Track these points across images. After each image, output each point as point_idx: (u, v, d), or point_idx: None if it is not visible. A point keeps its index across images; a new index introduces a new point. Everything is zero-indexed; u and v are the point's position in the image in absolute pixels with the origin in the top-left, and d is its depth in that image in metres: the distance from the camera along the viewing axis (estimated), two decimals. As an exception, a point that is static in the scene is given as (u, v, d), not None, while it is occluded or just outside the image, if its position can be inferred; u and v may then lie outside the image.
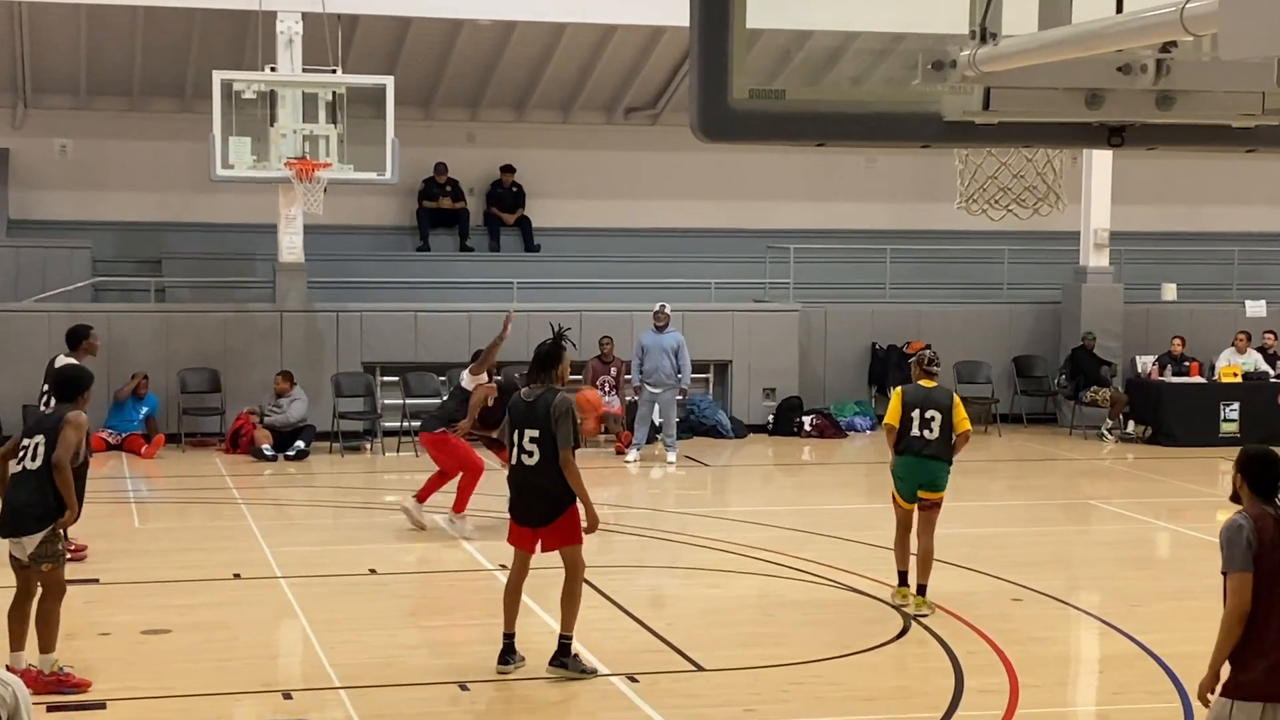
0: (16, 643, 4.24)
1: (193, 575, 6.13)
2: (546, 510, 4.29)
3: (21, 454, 4.31)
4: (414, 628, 5.47)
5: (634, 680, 4.50)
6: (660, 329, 9.77)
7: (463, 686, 4.44)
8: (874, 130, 2.21)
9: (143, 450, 9.35)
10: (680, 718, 4.19)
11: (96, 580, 5.76)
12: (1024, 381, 11.68)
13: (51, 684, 4.11)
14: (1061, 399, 11.63)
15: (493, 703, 4.50)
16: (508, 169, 12.54)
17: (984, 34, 2.10)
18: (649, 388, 9.70)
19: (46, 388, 5.46)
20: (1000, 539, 7.14)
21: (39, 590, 4.29)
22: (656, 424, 9.87)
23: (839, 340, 11.83)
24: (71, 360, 5.81)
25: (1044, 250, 12.46)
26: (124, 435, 9.61)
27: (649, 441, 9.94)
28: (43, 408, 5.06)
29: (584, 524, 4.39)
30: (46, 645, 4.21)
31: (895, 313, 11.96)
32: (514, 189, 12.62)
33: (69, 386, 4.62)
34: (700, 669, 4.66)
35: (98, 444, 8.73)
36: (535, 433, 4.25)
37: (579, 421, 4.68)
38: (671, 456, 9.75)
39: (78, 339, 6.13)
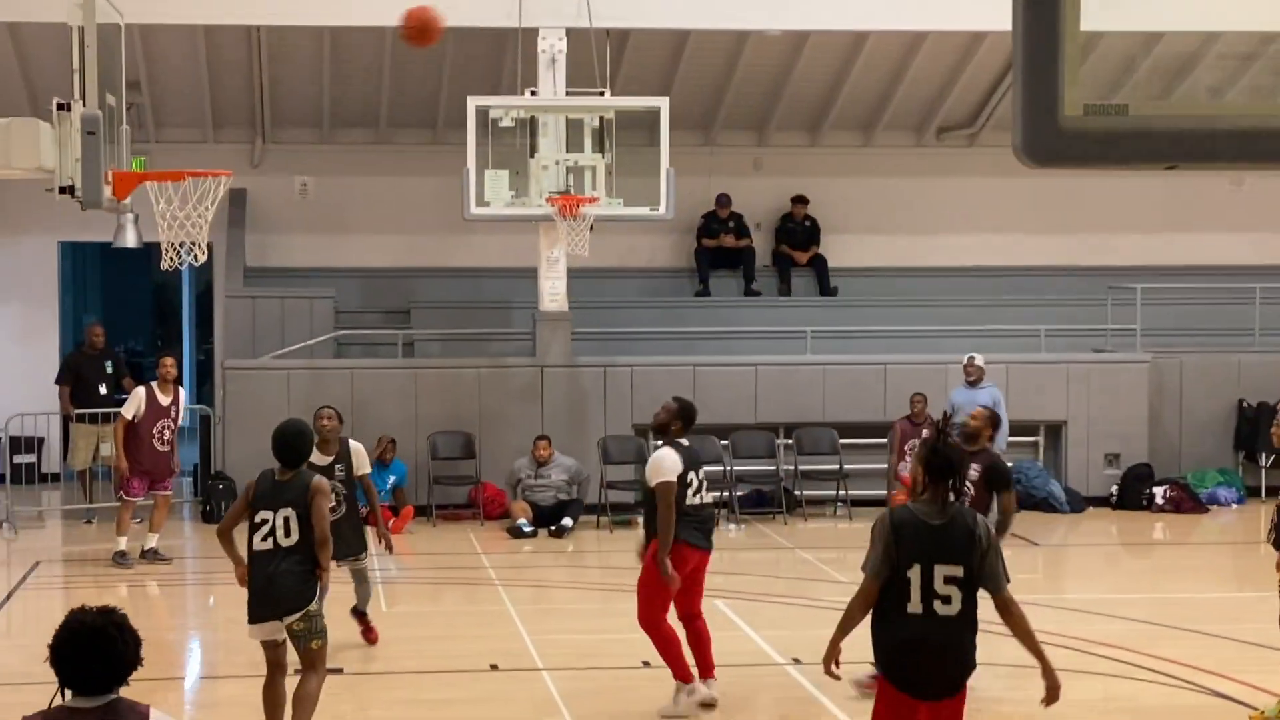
0: None
1: (446, 666, 6.80)
2: (959, 674, 3.97)
3: (266, 530, 4.94)
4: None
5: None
6: (972, 384, 10.41)
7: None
8: (1236, 149, 2.48)
9: (390, 524, 9.99)
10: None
11: (340, 670, 6.38)
12: None
13: None
14: None
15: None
16: (800, 200, 13.42)
17: None
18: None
19: None
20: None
21: (299, 670, 4.97)
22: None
23: (1197, 396, 12.12)
24: None
25: None
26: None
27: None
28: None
29: None
30: None
31: (1267, 363, 12.16)
32: (807, 223, 13.46)
33: (295, 447, 5.20)
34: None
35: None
36: (958, 570, 3.78)
37: None
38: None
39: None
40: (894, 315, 12.81)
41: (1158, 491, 11.48)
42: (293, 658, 5.16)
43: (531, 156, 10.79)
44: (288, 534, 4.99)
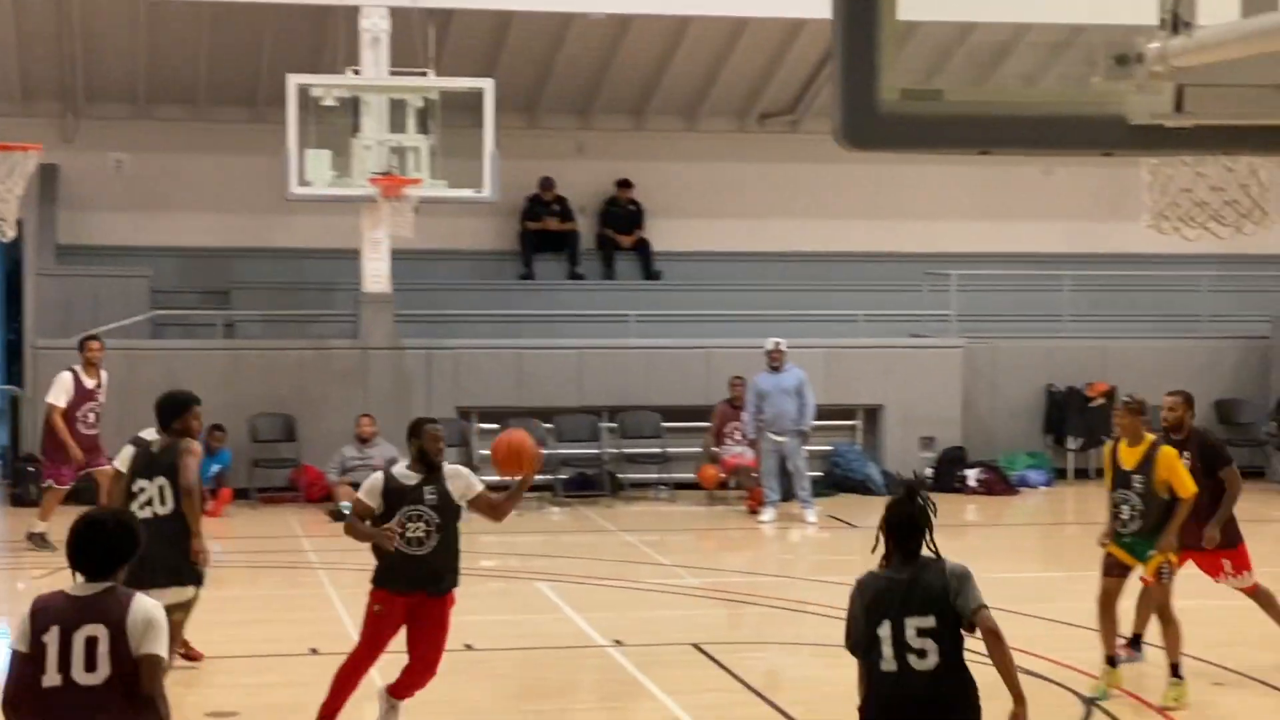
0: None
1: (265, 650, 6.67)
2: None
3: (143, 500, 5.03)
4: (517, 713, 5.88)
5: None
6: (775, 369, 10.46)
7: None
8: (1048, 136, 2.43)
9: (208, 507, 9.56)
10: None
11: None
12: (1227, 429, 11.82)
13: None
14: (1272, 449, 12.04)
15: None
16: (624, 184, 13.36)
17: (1176, 23, 2.29)
18: (772, 436, 10.36)
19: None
20: (1199, 614, 7.04)
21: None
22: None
23: (1009, 381, 12.35)
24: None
25: (1251, 276, 13.36)
26: (189, 495, 10.99)
27: (785, 499, 10.58)
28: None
29: None
30: None
31: (1075, 349, 12.45)
32: (631, 207, 13.45)
33: (170, 412, 5.31)
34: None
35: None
36: (929, 621, 3.46)
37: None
38: (811, 516, 10.48)
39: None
40: (717, 299, 12.99)
41: (970, 474, 11.71)
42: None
43: (354, 136, 10.68)
44: (163, 502, 5.12)
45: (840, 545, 9.98)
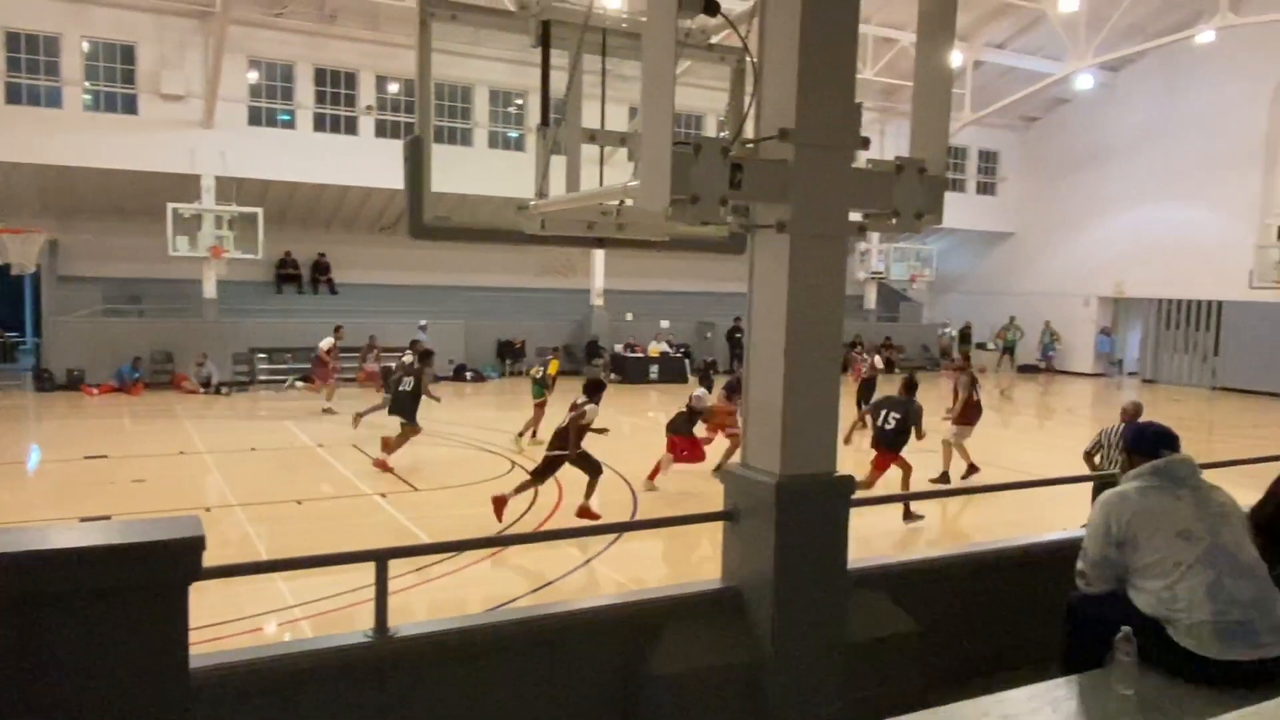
0: None
1: None
2: None
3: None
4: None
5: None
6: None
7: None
8: (496, 237, 4.83)
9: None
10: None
11: None
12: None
13: None
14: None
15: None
16: (323, 255, 26.83)
17: (541, 193, 4.79)
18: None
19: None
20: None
21: None
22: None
23: None
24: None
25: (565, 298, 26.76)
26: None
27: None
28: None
29: None
30: None
31: None
32: (325, 260, 26.76)
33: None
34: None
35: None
36: None
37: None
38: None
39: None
40: (373, 307, 26.22)
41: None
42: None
43: (199, 231, 16.68)
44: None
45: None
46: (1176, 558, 3.34)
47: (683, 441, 12.16)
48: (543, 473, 10.64)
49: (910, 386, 11.73)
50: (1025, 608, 4.40)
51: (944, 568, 4.55)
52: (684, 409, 12.48)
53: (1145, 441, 3.66)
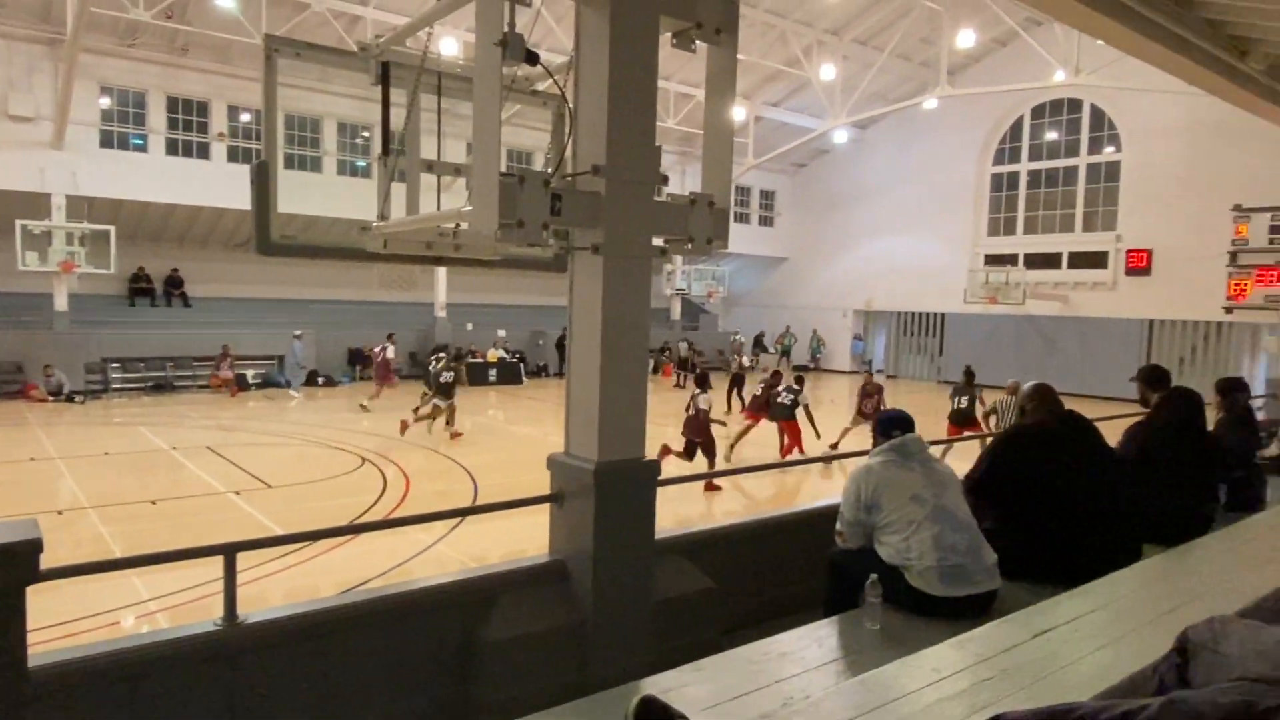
0: None
1: None
2: None
3: None
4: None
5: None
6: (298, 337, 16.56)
7: None
8: (341, 254, 4.61)
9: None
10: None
11: None
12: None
13: None
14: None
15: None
16: (175, 270, 24.39)
17: (382, 215, 4.61)
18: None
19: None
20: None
21: None
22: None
23: None
24: None
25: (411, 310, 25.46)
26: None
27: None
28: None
29: None
30: None
31: None
32: (178, 275, 24.39)
33: None
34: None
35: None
36: None
37: None
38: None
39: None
40: (223, 319, 24.18)
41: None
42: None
43: (49, 246, 15.06)
44: None
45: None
46: (910, 517, 3.60)
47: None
48: (689, 453, 11.49)
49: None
50: (798, 563, 4.61)
51: (733, 533, 4.70)
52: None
53: (884, 425, 3.93)
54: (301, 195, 20.38)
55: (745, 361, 21.76)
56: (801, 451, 12.81)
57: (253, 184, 3.99)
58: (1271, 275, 21.08)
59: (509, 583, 3.74)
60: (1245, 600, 2.87)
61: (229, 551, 3.07)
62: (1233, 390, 6.15)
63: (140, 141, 21.63)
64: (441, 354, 24.93)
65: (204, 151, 22.17)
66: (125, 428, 16.43)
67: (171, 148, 21.87)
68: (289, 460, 13.25)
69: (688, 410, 11.80)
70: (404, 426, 15.04)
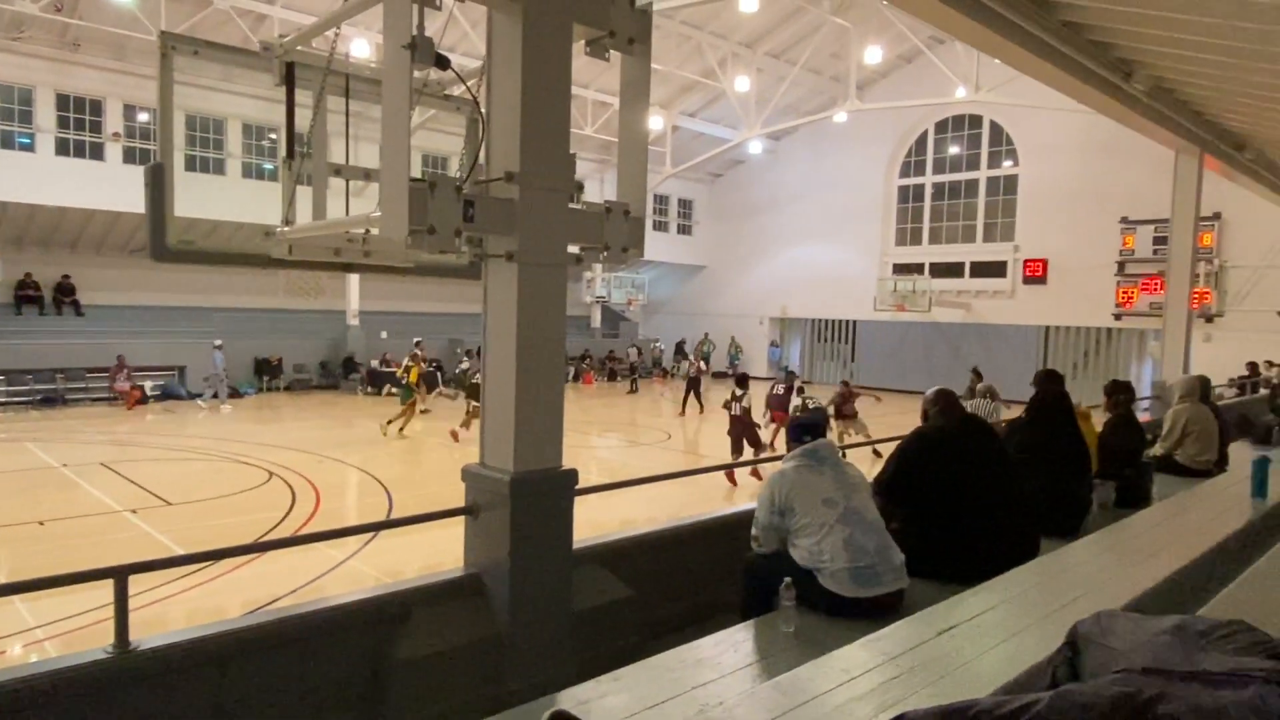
0: None
1: None
2: None
3: None
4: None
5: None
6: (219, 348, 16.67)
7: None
8: (244, 260, 4.48)
9: None
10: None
11: None
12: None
13: None
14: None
15: None
16: (66, 277, 22.85)
17: (287, 221, 4.45)
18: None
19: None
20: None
21: None
22: None
23: None
24: None
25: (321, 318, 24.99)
26: None
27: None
28: None
29: None
30: None
31: None
32: (70, 283, 22.88)
33: None
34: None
35: None
36: None
37: None
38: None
39: None
40: (116, 327, 22.51)
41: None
42: None
43: None
44: None
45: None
46: (821, 520, 3.67)
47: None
48: (738, 448, 12.89)
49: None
50: (716, 569, 4.65)
51: (652, 540, 4.71)
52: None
53: (796, 431, 4.00)
54: (204, 199, 19.51)
55: (703, 366, 23.03)
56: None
57: (147, 187, 3.80)
58: (1155, 284, 22.54)
59: (423, 598, 3.64)
60: (1132, 593, 3.03)
61: (120, 575, 2.90)
62: (1118, 392, 6.52)
63: (27, 140, 20.36)
64: (467, 356, 24.41)
65: (98, 152, 21.02)
66: (10, 444, 15.39)
67: (62, 147, 20.67)
68: (191, 476, 12.65)
69: (730, 410, 13.48)
70: (455, 435, 15.87)
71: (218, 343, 21.37)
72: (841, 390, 15.89)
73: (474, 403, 15.98)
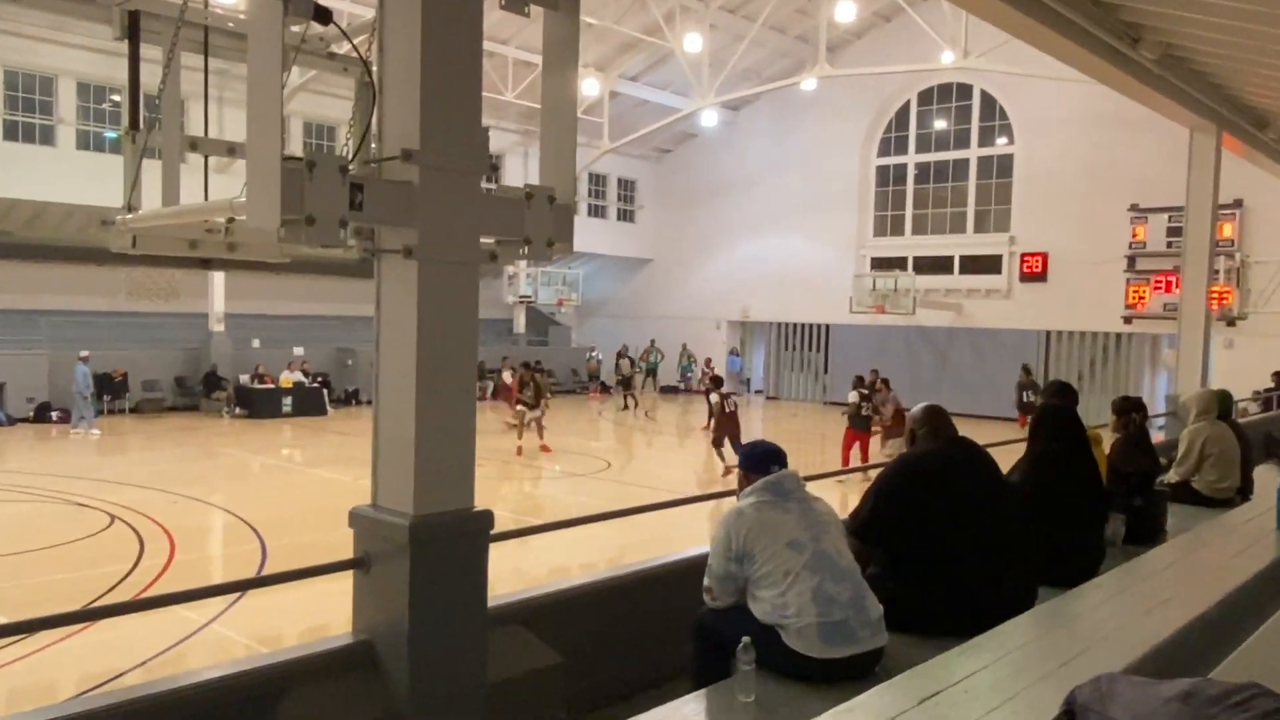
0: None
1: None
2: None
3: None
4: None
5: None
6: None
7: None
8: (71, 255, 4.30)
9: None
10: None
11: None
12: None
13: None
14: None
15: None
16: None
17: (130, 207, 4.34)
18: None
19: None
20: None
21: None
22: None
23: None
24: None
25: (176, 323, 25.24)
26: None
27: None
28: None
29: None
30: None
31: None
32: None
33: None
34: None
35: None
36: None
37: None
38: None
39: None
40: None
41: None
42: None
43: None
44: None
45: None
46: (786, 567, 3.70)
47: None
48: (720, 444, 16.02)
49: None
50: (663, 626, 4.64)
51: (583, 595, 4.68)
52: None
53: (756, 460, 4.03)
54: (27, 176, 18.83)
55: (711, 373, 25.03)
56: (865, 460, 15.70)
57: (-54, 163, 3.67)
58: (1170, 281, 23.23)
59: (302, 672, 3.56)
60: (1140, 649, 3.12)
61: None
62: (1129, 410, 6.73)
63: None
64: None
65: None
66: None
67: None
68: (10, 521, 12.17)
69: (722, 410, 15.87)
70: (545, 449, 18.08)
71: (84, 354, 20.29)
72: (873, 382, 17.43)
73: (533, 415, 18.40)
